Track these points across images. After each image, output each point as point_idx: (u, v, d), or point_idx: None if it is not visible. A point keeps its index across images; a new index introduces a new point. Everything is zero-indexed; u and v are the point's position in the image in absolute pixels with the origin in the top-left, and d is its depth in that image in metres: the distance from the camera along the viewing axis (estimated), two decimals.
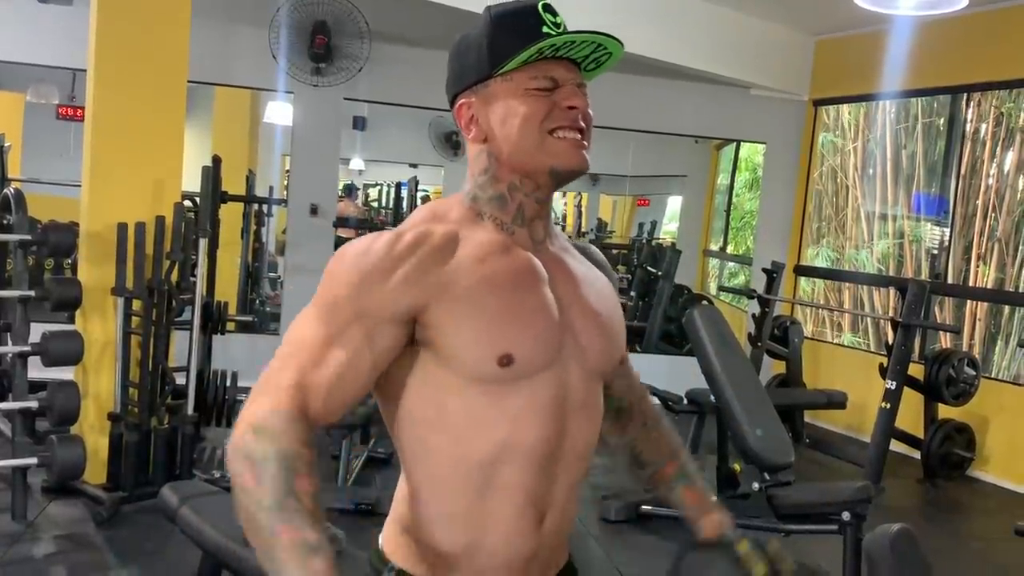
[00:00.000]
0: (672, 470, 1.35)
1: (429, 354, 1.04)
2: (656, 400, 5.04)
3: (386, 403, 1.10)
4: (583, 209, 11.15)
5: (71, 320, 4.13)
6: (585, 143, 1.10)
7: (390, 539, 1.14)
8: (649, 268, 8.07)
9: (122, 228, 3.79)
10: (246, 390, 4.77)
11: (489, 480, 1.05)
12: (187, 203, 4.38)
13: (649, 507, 4.05)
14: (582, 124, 1.10)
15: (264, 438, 0.96)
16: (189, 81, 4.07)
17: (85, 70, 4.04)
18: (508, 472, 1.05)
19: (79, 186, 4.06)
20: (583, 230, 10.79)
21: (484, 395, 1.04)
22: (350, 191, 9.71)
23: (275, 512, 0.92)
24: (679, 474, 1.35)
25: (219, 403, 4.49)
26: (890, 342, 5.05)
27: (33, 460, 3.51)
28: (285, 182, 7.89)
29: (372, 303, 1.01)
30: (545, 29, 1.07)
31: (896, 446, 5.09)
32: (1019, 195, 5.82)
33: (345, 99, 6.26)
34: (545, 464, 1.08)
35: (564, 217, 11.49)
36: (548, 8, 1.10)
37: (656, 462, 1.35)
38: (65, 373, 3.81)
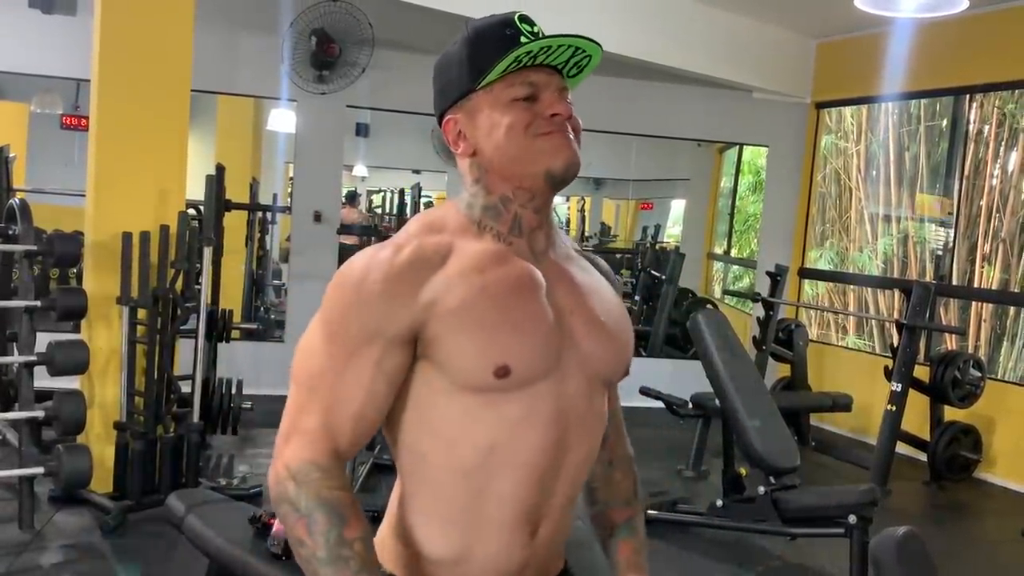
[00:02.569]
0: (620, 519, 1.31)
1: (427, 363, 1.04)
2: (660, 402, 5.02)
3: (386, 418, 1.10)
4: (586, 213, 11.15)
5: (76, 329, 4.15)
6: (574, 141, 1.10)
7: (382, 544, 1.13)
8: (653, 272, 8.07)
9: (127, 237, 3.80)
10: (251, 397, 4.79)
11: (483, 490, 1.05)
12: (191, 211, 4.40)
13: (654, 512, 4.04)
14: (568, 130, 1.09)
15: (306, 489, 0.99)
16: (192, 90, 4.09)
17: (89, 80, 4.06)
18: (502, 482, 1.05)
19: (84, 196, 4.07)
20: (586, 234, 10.80)
21: (480, 404, 1.04)
22: (352, 198, 9.74)
23: (330, 565, 0.97)
24: (625, 526, 1.31)
25: (225, 411, 4.50)
26: (895, 344, 5.04)
27: (40, 469, 3.52)
28: (289, 189, 7.91)
29: (379, 328, 1.01)
30: (522, 39, 1.07)
31: (902, 448, 5.08)
32: (1023, 195, 5.81)
33: (348, 106, 6.28)
34: (542, 476, 1.07)
35: (568, 221, 11.50)
36: (524, 19, 1.10)
37: (607, 503, 1.31)
38: (71, 382, 3.82)
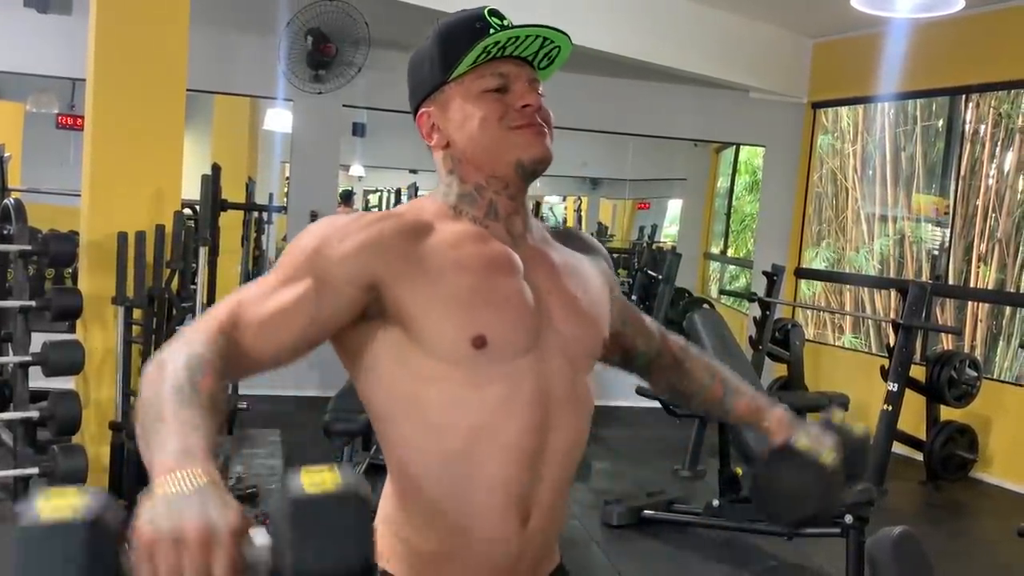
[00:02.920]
0: (719, 390, 1.37)
1: (402, 334, 1.03)
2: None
3: (366, 389, 1.09)
4: (583, 213, 11.16)
5: (72, 329, 4.14)
6: (546, 133, 1.11)
7: (378, 540, 1.11)
8: (650, 272, 8.07)
9: (122, 237, 3.79)
10: (246, 397, 4.76)
11: (470, 475, 1.04)
12: (187, 211, 4.39)
13: (651, 512, 4.04)
14: (539, 120, 1.10)
15: (180, 344, 0.94)
16: (188, 89, 4.08)
17: (85, 79, 4.05)
18: (489, 466, 1.04)
19: (79, 195, 4.06)
20: None
21: (461, 381, 1.03)
22: (348, 197, 9.74)
23: (169, 398, 0.87)
24: (725, 391, 1.38)
25: None
26: (891, 344, 5.04)
27: (35, 470, 3.50)
28: (285, 189, 7.90)
29: (328, 260, 1.01)
30: (491, 31, 1.08)
31: (898, 448, 5.08)
32: (1019, 196, 5.81)
33: (344, 106, 6.28)
34: (528, 459, 1.06)
35: (564, 222, 11.50)
36: (494, 12, 1.11)
37: (700, 389, 1.38)
38: (66, 383, 3.81)
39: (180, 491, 0.75)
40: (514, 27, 1.08)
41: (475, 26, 1.09)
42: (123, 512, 0.76)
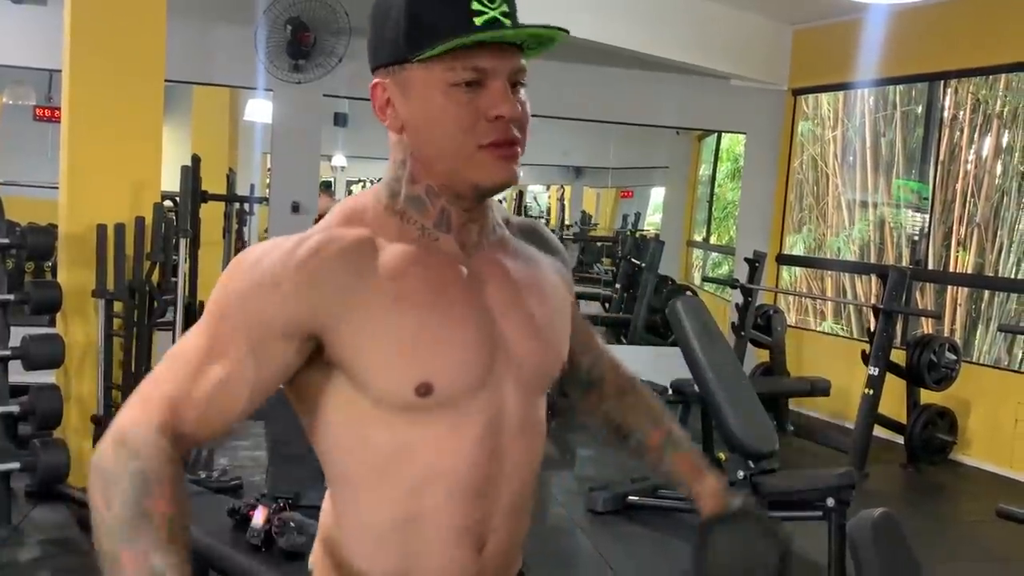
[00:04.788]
0: (659, 437, 1.23)
1: (343, 378, 0.94)
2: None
3: (309, 429, 1.00)
4: (566, 202, 11.16)
5: (52, 323, 4.11)
6: (517, 152, 0.96)
7: (319, 561, 1.04)
8: (633, 260, 8.10)
9: (101, 229, 3.76)
10: None
11: (418, 510, 0.96)
12: (167, 203, 4.36)
13: (636, 498, 4.06)
14: (514, 135, 0.94)
15: (123, 454, 0.86)
16: (166, 80, 4.05)
17: (61, 70, 4.01)
18: (437, 501, 0.96)
19: (57, 188, 4.03)
20: (567, 223, 10.82)
21: (407, 424, 0.94)
22: (327, 188, 9.72)
23: (121, 535, 0.83)
24: (666, 441, 1.23)
25: None
26: (872, 329, 5.09)
27: (16, 464, 3.49)
28: (267, 180, 7.86)
29: (260, 315, 0.90)
30: (475, 5, 0.91)
31: (879, 432, 5.13)
32: (997, 180, 5.87)
33: (325, 96, 6.24)
34: (479, 492, 0.98)
35: (548, 211, 11.51)
36: None
37: (638, 430, 1.23)
38: (47, 376, 3.79)
39: None
40: (503, 29, 0.92)
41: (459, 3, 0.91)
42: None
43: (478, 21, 0.91)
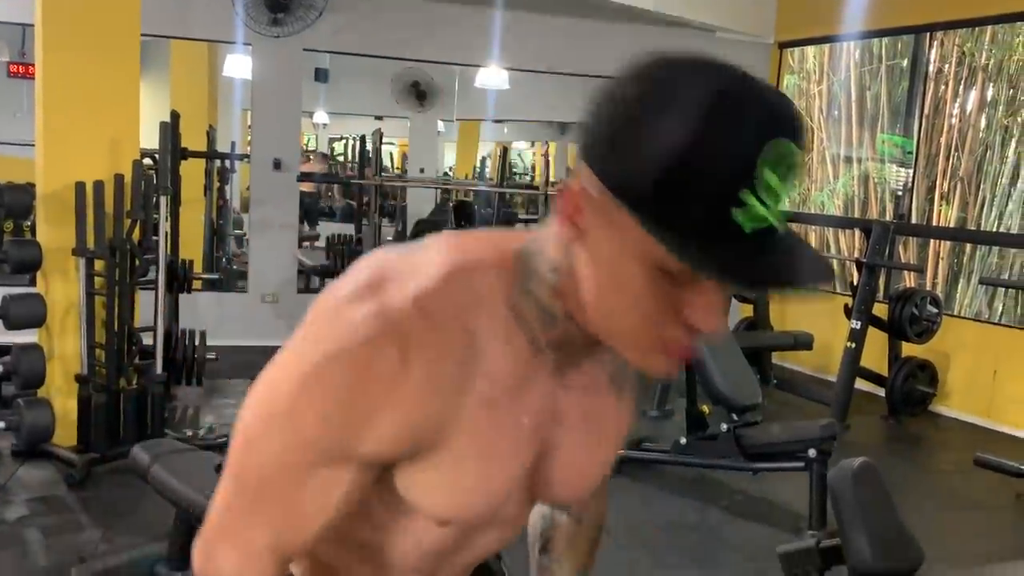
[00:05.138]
0: None
1: (369, 485, 0.84)
2: None
3: None
4: (551, 159, 11.09)
5: (32, 283, 4.07)
6: (688, 352, 0.79)
7: None
8: None
9: (80, 187, 3.71)
10: (215, 348, 4.72)
11: (380, 565, 0.92)
12: (147, 160, 4.30)
13: (621, 450, 4.10)
14: (695, 339, 0.78)
15: None
16: (142, 35, 3.97)
17: (33, 25, 3.92)
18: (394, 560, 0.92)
19: (33, 146, 3.96)
20: (551, 180, 10.75)
21: (391, 516, 0.88)
22: (324, 157, 9.65)
23: None
24: None
25: (189, 362, 4.47)
26: (855, 282, 5.12)
27: (0, 424, 3.48)
28: (247, 137, 7.76)
29: (351, 445, 0.77)
30: (742, 217, 0.67)
31: (861, 384, 5.20)
32: (981, 134, 5.86)
33: (305, 50, 6.14)
34: (440, 559, 0.93)
35: (532, 168, 11.44)
36: (783, 155, 0.68)
37: (559, 562, 1.18)
38: (29, 336, 3.77)
39: None
40: (775, 279, 0.74)
41: (736, 168, 0.67)
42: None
43: (747, 224, 0.68)
